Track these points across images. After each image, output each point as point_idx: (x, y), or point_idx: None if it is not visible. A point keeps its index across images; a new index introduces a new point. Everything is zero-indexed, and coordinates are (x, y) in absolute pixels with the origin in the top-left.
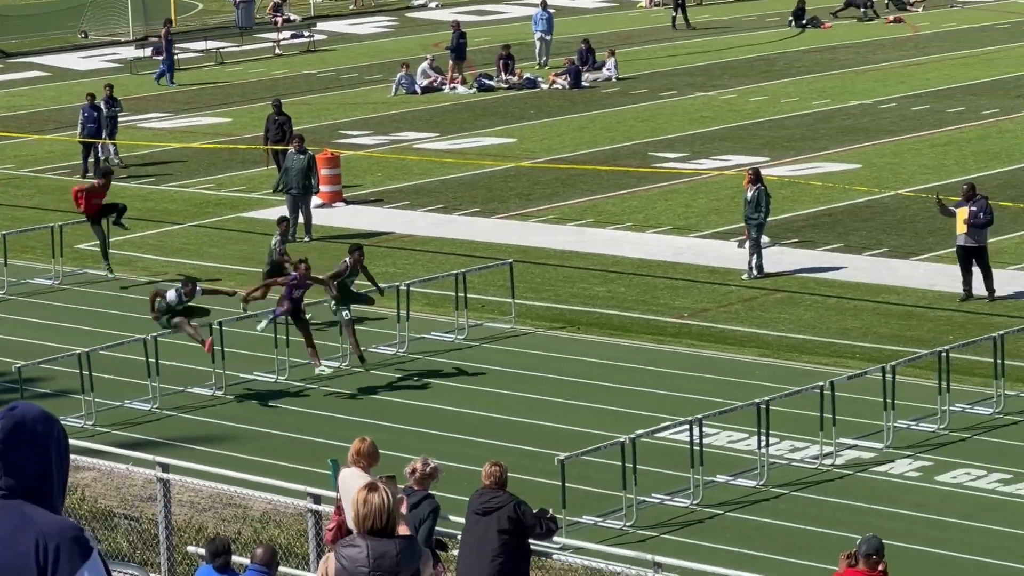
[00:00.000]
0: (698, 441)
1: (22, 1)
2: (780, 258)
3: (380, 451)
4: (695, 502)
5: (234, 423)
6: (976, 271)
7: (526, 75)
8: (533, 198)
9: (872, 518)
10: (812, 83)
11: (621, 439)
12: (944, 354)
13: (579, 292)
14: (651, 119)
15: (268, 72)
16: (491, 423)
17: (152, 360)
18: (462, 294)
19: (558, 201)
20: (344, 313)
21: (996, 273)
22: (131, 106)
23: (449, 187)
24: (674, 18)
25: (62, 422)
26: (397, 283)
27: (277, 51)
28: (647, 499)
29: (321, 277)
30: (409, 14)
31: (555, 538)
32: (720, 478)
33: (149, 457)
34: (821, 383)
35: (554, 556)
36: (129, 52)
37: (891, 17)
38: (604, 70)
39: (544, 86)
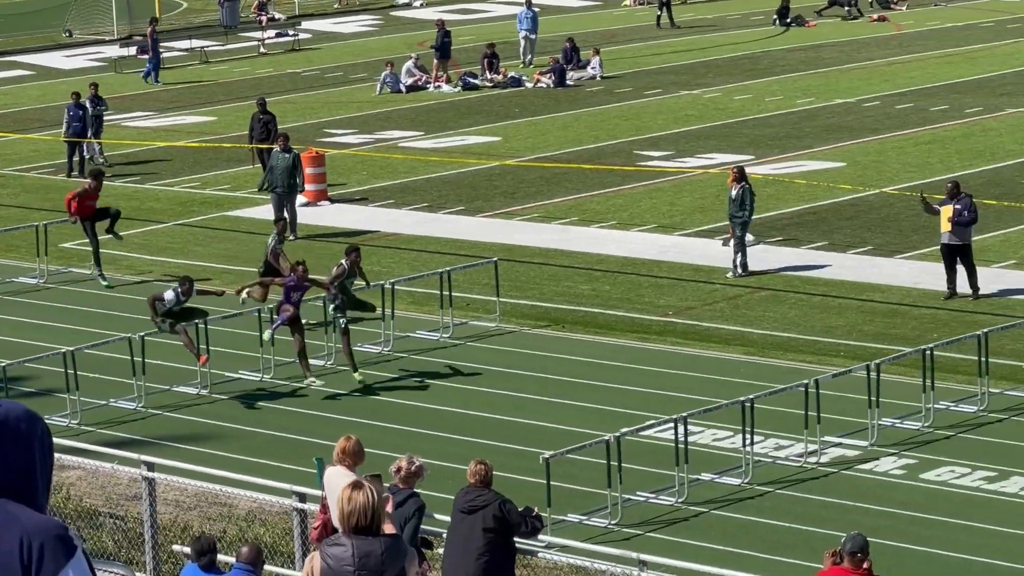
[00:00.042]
0: (683, 439)
1: (5, 0)
2: (765, 256)
3: (365, 449)
4: (680, 500)
5: (219, 422)
6: (960, 269)
7: (511, 74)
8: (518, 197)
9: (857, 516)
10: (796, 81)
11: (606, 437)
12: (928, 352)
13: (564, 290)
14: (636, 118)
15: (253, 71)
16: (476, 421)
17: (137, 359)
18: (447, 292)
19: (543, 199)
20: (341, 320)
21: (980, 271)
22: (115, 105)
23: (434, 186)
24: (659, 17)
25: (47, 421)
26: (382, 282)
27: (262, 50)
28: (632, 497)
29: (320, 280)
30: (394, 13)
31: (540, 536)
32: (705, 476)
33: (134, 456)
34: (806, 381)
35: (539, 554)
36: (114, 51)
37: (875, 16)
38: (589, 69)
39: (529, 85)
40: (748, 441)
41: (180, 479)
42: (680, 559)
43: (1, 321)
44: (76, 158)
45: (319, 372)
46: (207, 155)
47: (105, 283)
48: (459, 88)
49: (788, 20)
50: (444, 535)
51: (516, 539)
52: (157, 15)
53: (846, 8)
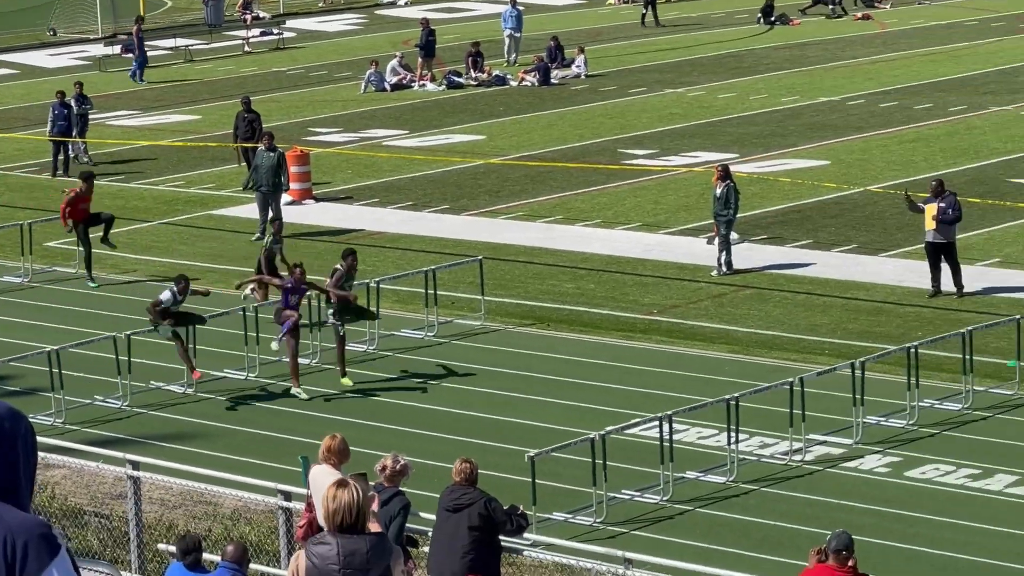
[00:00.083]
0: (668, 437)
1: None
2: (749, 254)
3: (351, 448)
4: (665, 498)
5: (204, 420)
6: (944, 267)
7: (495, 72)
8: (502, 195)
9: (842, 514)
10: (781, 80)
11: (591, 435)
12: (913, 350)
13: (548, 289)
14: (620, 116)
15: (237, 69)
16: (461, 420)
17: (123, 358)
18: (432, 291)
19: (527, 198)
20: (340, 328)
21: (964, 269)
22: (100, 104)
23: (419, 184)
24: (644, 15)
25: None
26: (367, 280)
27: (246, 48)
28: (617, 495)
29: (319, 285)
30: (378, 11)
31: (526, 534)
32: (690, 474)
33: (119, 455)
34: (790, 379)
35: (525, 552)
36: (98, 49)
37: (859, 14)
38: (573, 67)
39: (513, 83)
40: (733, 439)
41: (165, 478)
42: (665, 557)
43: None
44: (61, 157)
45: (304, 370)
46: (192, 154)
47: (93, 284)
48: (444, 87)
49: (772, 18)
50: (429, 533)
51: (501, 537)
52: (142, 14)
53: (830, 7)
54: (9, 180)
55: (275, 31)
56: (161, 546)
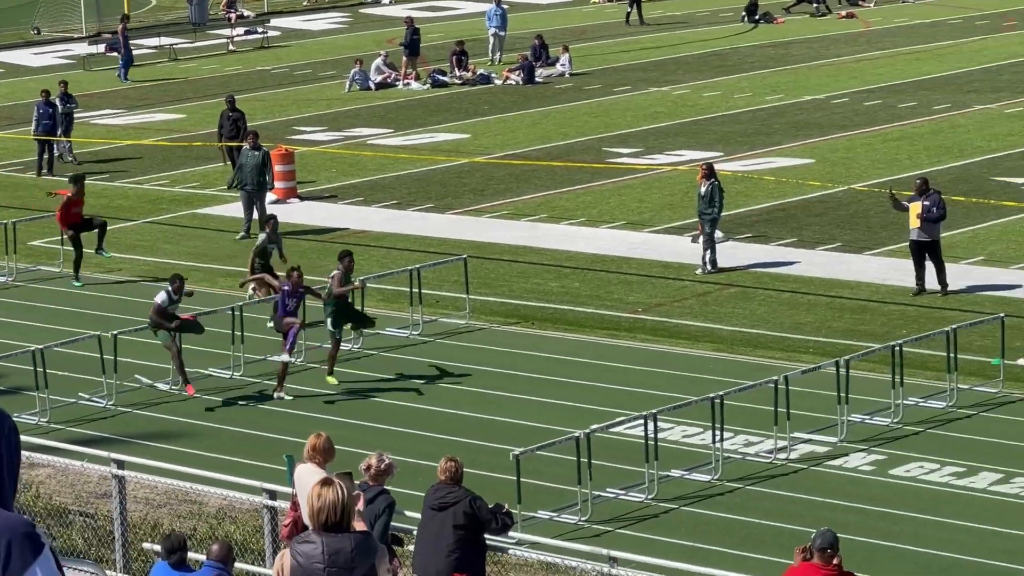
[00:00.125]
0: (652, 436)
1: None
2: (734, 253)
3: (336, 447)
4: (650, 496)
5: (189, 419)
6: (929, 265)
7: (480, 71)
8: (487, 194)
9: (826, 512)
10: (765, 78)
11: (576, 434)
12: (897, 348)
13: (533, 287)
14: (605, 115)
15: (222, 68)
16: (446, 418)
17: (108, 357)
18: (416, 290)
19: (512, 197)
20: (336, 333)
21: (948, 267)
22: (84, 103)
23: (403, 183)
24: (628, 14)
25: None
26: (352, 279)
27: (231, 47)
28: (602, 494)
29: (315, 291)
30: (363, 10)
31: (511, 533)
32: (675, 473)
33: (104, 454)
34: (775, 377)
35: (510, 551)
36: (82, 48)
37: (843, 12)
38: (558, 66)
39: (498, 82)
40: (718, 437)
41: (150, 477)
42: (650, 555)
43: None
44: (46, 156)
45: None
46: (176, 153)
47: (78, 284)
48: (428, 85)
49: (757, 17)
50: (414, 532)
51: (486, 536)
52: (127, 12)
53: (814, 5)
54: None
55: (259, 30)
56: (146, 545)
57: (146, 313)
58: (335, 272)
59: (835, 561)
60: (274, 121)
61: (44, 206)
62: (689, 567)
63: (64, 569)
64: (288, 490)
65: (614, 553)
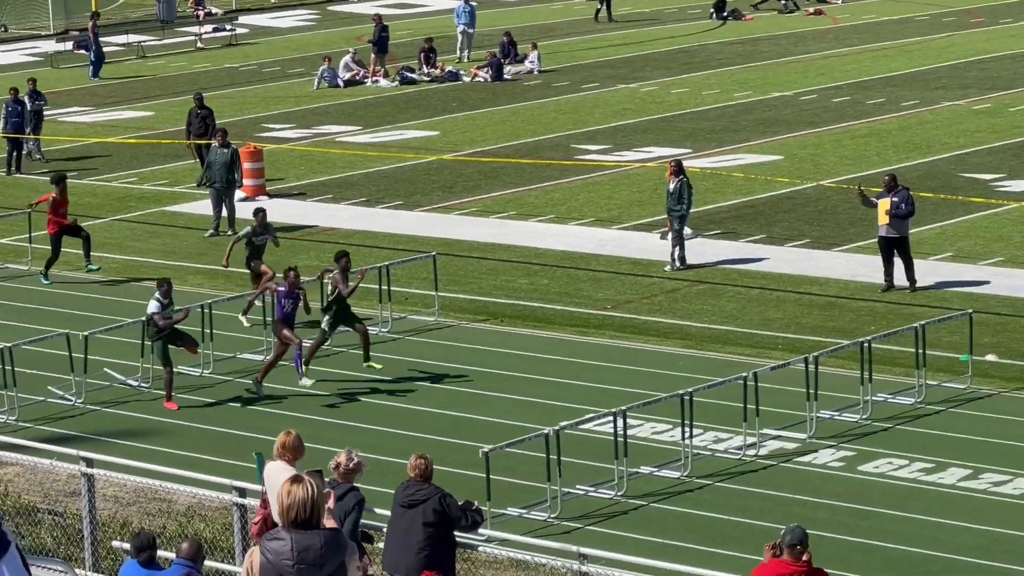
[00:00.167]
0: (622, 433)
1: None
2: (702, 249)
3: (305, 444)
4: (619, 493)
5: (158, 417)
6: (897, 262)
7: (448, 68)
8: (456, 191)
9: (796, 508)
10: (733, 75)
11: (545, 431)
12: (866, 344)
13: (502, 284)
14: (573, 111)
15: (190, 66)
16: (415, 415)
17: (77, 355)
18: (385, 287)
19: (481, 194)
20: (328, 332)
21: (917, 263)
22: (52, 100)
23: (372, 180)
24: (598, 11)
25: None
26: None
27: (199, 45)
28: (571, 491)
29: (310, 306)
30: (331, 7)
31: (480, 530)
32: (644, 469)
33: (73, 452)
34: (744, 374)
35: (480, 548)
36: (50, 46)
37: (811, 9)
38: (526, 63)
39: (466, 79)
40: (687, 434)
41: (119, 475)
42: (620, 552)
43: None
44: (15, 154)
45: (257, 367)
46: (145, 150)
47: (47, 282)
48: (397, 83)
49: (725, 14)
50: (384, 529)
51: (456, 533)
52: (96, 10)
53: (782, 2)
54: None
55: (228, 27)
56: (115, 543)
57: (116, 311)
58: (333, 273)
59: (805, 557)
60: (243, 118)
61: (12, 203)
62: (659, 564)
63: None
64: (258, 488)
65: (584, 550)
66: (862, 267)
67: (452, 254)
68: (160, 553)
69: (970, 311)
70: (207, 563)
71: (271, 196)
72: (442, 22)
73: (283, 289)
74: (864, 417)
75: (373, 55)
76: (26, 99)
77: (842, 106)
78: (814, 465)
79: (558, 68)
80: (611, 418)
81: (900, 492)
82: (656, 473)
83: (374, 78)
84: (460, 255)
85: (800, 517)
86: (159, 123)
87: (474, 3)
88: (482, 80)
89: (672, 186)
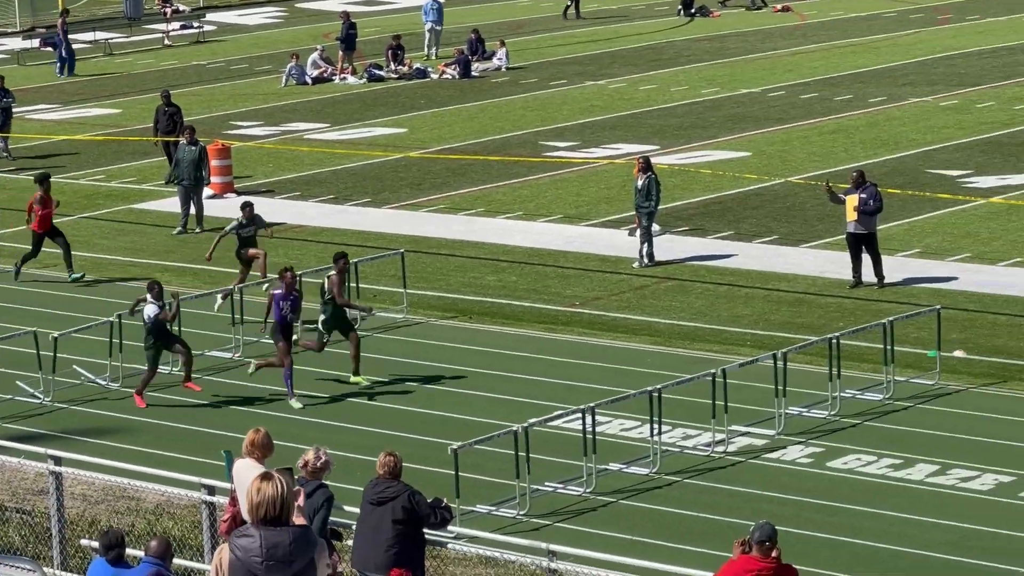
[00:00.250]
0: (591, 429)
1: None
2: (671, 246)
3: (274, 442)
4: (588, 490)
5: (127, 415)
6: (865, 258)
7: (416, 65)
8: (424, 188)
9: (764, 504)
10: (701, 71)
11: (514, 428)
12: (834, 341)
13: (471, 281)
14: (541, 108)
15: (157, 63)
16: (384, 413)
17: (46, 353)
18: (354, 284)
19: (449, 191)
20: (325, 335)
21: (885, 260)
22: (19, 98)
23: (340, 177)
24: (567, 8)
25: None
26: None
27: (166, 42)
28: (540, 487)
29: (298, 316)
30: (298, 4)
31: (450, 527)
32: (613, 466)
33: (41, 450)
34: (713, 370)
35: (449, 545)
36: (16, 43)
37: (779, 6)
38: (494, 60)
39: (434, 76)
40: (656, 431)
41: (87, 473)
42: (589, 548)
43: None
44: None
45: (225, 364)
46: (112, 148)
47: (17, 279)
48: (364, 80)
49: (692, 10)
50: (353, 526)
51: (425, 530)
52: (66, 7)
53: None
54: None
55: (195, 24)
56: (84, 542)
57: (87, 309)
58: (331, 274)
59: (774, 554)
60: (210, 116)
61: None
62: (628, 560)
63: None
64: (227, 485)
65: (553, 547)
66: (830, 263)
67: (420, 251)
68: (129, 551)
69: (938, 307)
70: (176, 561)
71: (239, 193)
72: (410, 19)
73: (280, 292)
74: (832, 413)
75: (341, 52)
76: None
77: (810, 102)
78: (783, 461)
79: (526, 65)
80: (580, 415)
81: (868, 488)
82: (625, 470)
83: (342, 75)
84: (428, 252)
85: (769, 513)
86: (127, 120)
87: (442, 0)
88: (450, 77)
89: (640, 183)
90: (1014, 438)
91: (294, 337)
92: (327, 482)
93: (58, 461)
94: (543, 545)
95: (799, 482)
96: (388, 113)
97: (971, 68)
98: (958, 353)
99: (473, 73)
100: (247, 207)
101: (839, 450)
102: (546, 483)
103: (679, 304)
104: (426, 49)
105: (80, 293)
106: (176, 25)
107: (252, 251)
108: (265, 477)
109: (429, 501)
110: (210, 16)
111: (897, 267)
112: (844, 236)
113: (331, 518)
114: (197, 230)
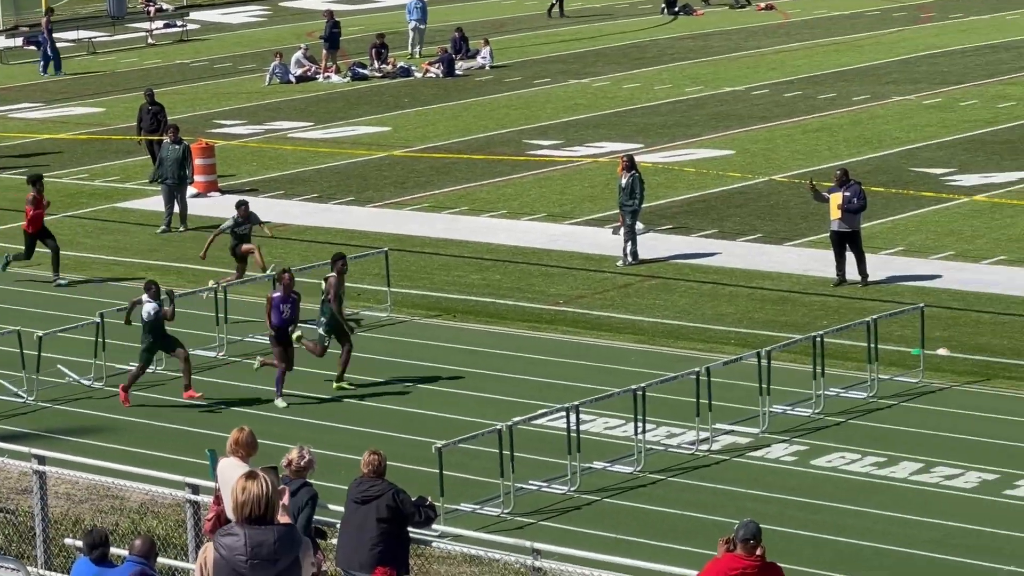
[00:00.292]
0: (575, 428)
1: None
2: (654, 244)
3: (259, 440)
4: (572, 488)
5: (111, 414)
6: (849, 256)
7: (400, 64)
8: (408, 186)
9: (749, 503)
10: (685, 70)
11: (498, 426)
12: (818, 339)
13: (455, 280)
14: (525, 107)
15: (141, 62)
16: (368, 411)
17: (30, 352)
18: None
19: (433, 189)
20: (325, 339)
21: (869, 258)
22: (2, 96)
23: (324, 176)
24: (552, 6)
25: None
26: (272, 273)
27: (150, 41)
28: (525, 486)
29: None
30: (282, 3)
31: (434, 526)
32: (597, 464)
33: (24, 449)
34: (697, 369)
35: (433, 544)
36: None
37: (762, 4)
38: (478, 58)
39: (418, 75)
40: (640, 429)
41: (71, 472)
42: (573, 547)
43: None
44: None
45: (210, 363)
46: (95, 146)
47: (5, 269)
48: (348, 78)
49: (676, 9)
50: (338, 525)
51: (410, 529)
52: (51, 6)
53: None
54: None
55: (179, 23)
56: (68, 541)
57: (72, 308)
58: (330, 276)
59: (758, 552)
60: (194, 114)
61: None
62: (612, 559)
63: None
64: (211, 484)
65: (537, 545)
66: (814, 261)
67: (404, 250)
68: (113, 550)
69: (921, 305)
70: (160, 560)
71: (223, 192)
72: (394, 18)
73: (278, 295)
74: (816, 411)
75: (325, 51)
76: None
77: (793, 101)
78: (767, 460)
79: (510, 64)
80: (564, 413)
81: (852, 486)
82: (609, 468)
83: (326, 74)
84: (412, 251)
85: (753, 512)
86: (110, 119)
87: None
88: (434, 76)
89: (624, 181)
90: (997, 436)
91: (296, 335)
92: (311, 481)
93: (42, 460)
94: (527, 543)
95: (783, 480)
96: (372, 112)
97: (954, 66)
98: (942, 351)
99: (457, 72)
100: (242, 205)
101: (823, 448)
102: (530, 481)
103: (663, 302)
104: (410, 48)
105: (65, 292)
106: (160, 24)
107: (245, 246)
108: (250, 476)
109: (413, 499)
110: (194, 15)
111: (881, 265)
112: (828, 234)
113: (316, 517)
114: (181, 229)
